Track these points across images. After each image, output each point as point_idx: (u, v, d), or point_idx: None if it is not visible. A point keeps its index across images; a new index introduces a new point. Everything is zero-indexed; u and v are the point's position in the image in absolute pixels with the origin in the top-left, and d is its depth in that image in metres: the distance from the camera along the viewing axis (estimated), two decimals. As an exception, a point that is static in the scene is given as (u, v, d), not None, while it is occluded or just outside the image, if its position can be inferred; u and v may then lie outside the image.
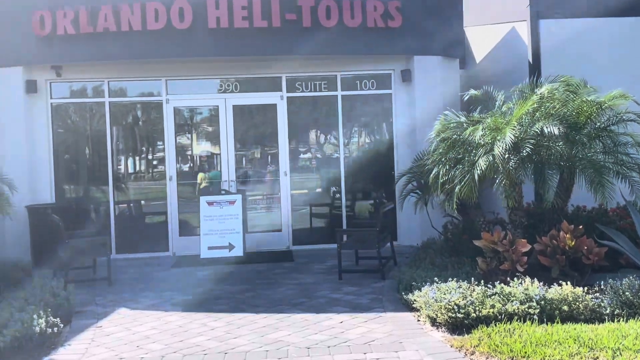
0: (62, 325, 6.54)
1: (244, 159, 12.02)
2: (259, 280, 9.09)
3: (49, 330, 6.21)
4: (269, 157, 12.06)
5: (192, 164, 12.10)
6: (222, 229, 10.70)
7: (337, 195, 11.91)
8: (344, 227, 11.57)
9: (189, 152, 12.12)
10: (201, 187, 11.85)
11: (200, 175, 11.96)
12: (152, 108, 11.70)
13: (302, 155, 12.26)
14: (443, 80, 11.32)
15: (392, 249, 9.95)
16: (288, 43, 10.66)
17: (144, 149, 11.96)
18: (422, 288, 7.01)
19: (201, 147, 12.14)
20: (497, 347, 5.62)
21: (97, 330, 6.80)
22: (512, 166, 7.76)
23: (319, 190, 12.27)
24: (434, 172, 8.59)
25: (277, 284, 8.80)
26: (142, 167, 11.96)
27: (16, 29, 10.61)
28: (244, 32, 10.54)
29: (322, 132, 12.36)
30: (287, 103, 11.52)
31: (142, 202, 11.86)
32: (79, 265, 9.81)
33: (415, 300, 6.91)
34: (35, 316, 6.24)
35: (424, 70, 11.23)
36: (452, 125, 8.64)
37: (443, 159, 8.56)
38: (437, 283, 6.98)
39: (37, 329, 6.06)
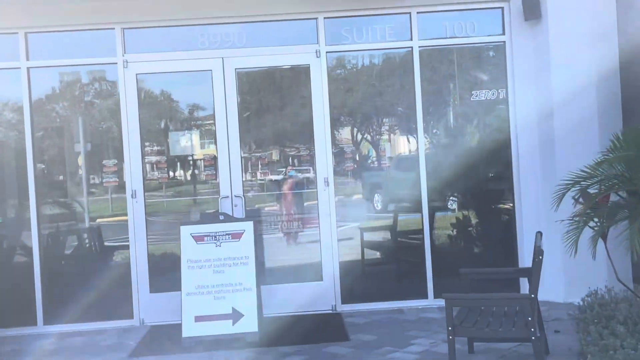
0: None
1: (254, 161, 7.33)
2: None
3: None
4: (298, 157, 7.38)
5: (170, 171, 7.42)
6: (219, 283, 6.01)
7: (414, 216, 7.21)
8: (428, 271, 6.84)
9: (163, 153, 7.39)
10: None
11: None
12: (101, 78, 7.05)
13: (351, 152, 7.57)
14: (594, 16, 6.58)
15: (539, 320, 5.17)
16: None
17: (89, 146, 7.26)
18: None
19: (182, 144, 7.41)
20: None
21: None
22: None
23: (379, 206, 7.63)
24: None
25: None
26: (89, 175, 7.28)
27: None
28: None
29: (384, 112, 7.61)
30: (326, 63, 6.83)
31: (85, 235, 7.19)
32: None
33: None
34: None
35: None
36: None
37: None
38: None
39: None
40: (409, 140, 7.52)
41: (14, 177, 6.94)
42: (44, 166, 7.04)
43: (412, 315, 6.45)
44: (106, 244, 7.28)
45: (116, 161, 6.90)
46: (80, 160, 7.10)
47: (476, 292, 5.15)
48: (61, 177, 7.32)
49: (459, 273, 5.22)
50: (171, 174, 7.38)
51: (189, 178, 7.44)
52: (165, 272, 6.80)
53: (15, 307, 6.48)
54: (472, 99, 7.00)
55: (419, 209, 6.99)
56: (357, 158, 7.73)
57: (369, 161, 7.91)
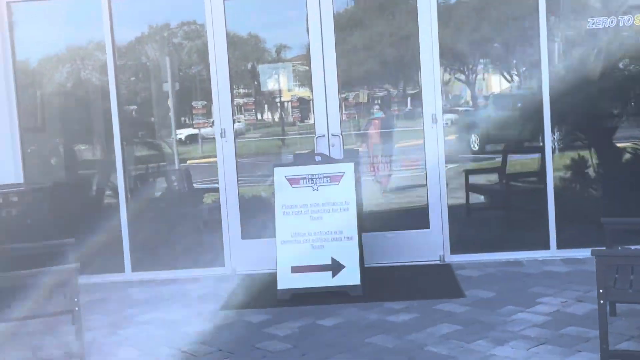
0: None
1: (351, 98, 6.65)
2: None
3: None
4: (400, 93, 6.66)
5: (259, 112, 6.89)
6: (317, 230, 5.45)
7: (528, 157, 6.42)
8: (551, 219, 6.01)
9: (252, 95, 6.84)
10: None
11: None
12: (187, 9, 6.52)
13: (455, 89, 6.81)
14: None
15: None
16: None
17: (177, 86, 6.81)
18: None
19: (272, 82, 6.79)
20: None
21: None
22: None
23: (477, 146, 6.91)
24: None
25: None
26: (180, 117, 6.85)
27: None
28: None
29: (498, 42, 6.73)
30: (435, -17, 5.99)
31: (174, 177, 6.81)
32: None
33: None
34: None
35: None
36: None
37: None
38: None
39: None
40: (526, 76, 6.68)
41: (101, 118, 6.56)
42: (129, 106, 6.65)
43: (532, 268, 5.71)
44: (195, 186, 6.89)
45: (205, 102, 6.41)
46: (170, 102, 6.68)
47: (603, 244, 4.35)
48: (149, 118, 6.94)
49: (601, 223, 4.40)
50: (260, 115, 6.87)
51: (279, 117, 6.90)
52: (257, 217, 6.33)
53: (102, 252, 6.17)
54: (601, 25, 5.99)
55: (537, 150, 6.15)
56: (459, 94, 7.00)
57: (470, 99, 7.15)
